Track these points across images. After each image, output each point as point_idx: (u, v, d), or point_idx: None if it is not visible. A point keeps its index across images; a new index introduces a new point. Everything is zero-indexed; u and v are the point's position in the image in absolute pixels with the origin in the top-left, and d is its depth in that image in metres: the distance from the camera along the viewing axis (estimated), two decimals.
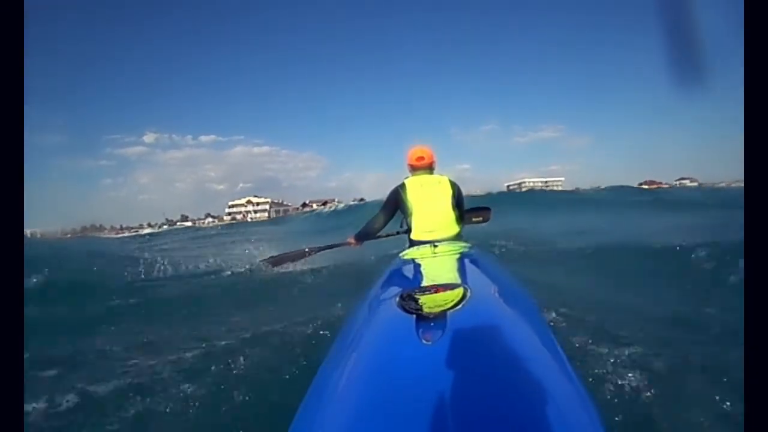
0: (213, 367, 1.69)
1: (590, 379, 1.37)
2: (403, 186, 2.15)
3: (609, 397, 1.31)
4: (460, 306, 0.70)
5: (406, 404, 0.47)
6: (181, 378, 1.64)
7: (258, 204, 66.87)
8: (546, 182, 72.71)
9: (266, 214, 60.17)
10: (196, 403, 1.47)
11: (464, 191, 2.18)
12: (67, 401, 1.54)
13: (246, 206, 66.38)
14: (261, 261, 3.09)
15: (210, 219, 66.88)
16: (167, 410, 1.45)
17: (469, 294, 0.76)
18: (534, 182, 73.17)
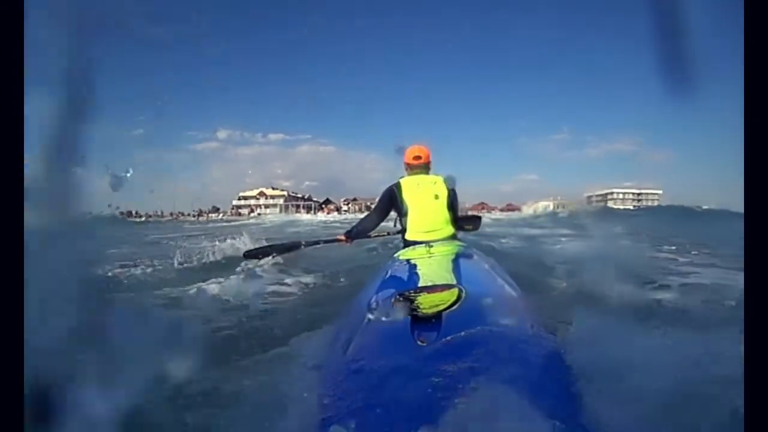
0: None
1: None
2: (398, 185, 2.13)
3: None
4: (455, 306, 0.70)
5: (401, 405, 0.47)
6: None
7: (273, 197, 57.37)
8: (639, 195, 60.31)
9: (277, 210, 52.47)
10: None
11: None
12: None
13: (258, 199, 57.20)
14: (244, 253, 2.76)
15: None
16: None
17: (464, 294, 0.76)
18: (624, 194, 60.43)
